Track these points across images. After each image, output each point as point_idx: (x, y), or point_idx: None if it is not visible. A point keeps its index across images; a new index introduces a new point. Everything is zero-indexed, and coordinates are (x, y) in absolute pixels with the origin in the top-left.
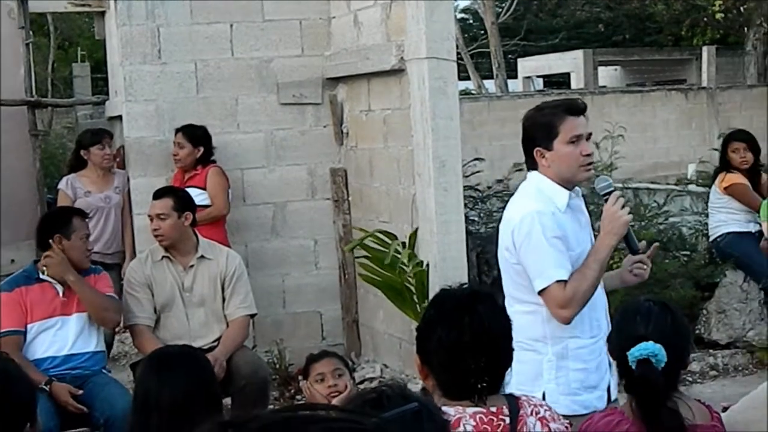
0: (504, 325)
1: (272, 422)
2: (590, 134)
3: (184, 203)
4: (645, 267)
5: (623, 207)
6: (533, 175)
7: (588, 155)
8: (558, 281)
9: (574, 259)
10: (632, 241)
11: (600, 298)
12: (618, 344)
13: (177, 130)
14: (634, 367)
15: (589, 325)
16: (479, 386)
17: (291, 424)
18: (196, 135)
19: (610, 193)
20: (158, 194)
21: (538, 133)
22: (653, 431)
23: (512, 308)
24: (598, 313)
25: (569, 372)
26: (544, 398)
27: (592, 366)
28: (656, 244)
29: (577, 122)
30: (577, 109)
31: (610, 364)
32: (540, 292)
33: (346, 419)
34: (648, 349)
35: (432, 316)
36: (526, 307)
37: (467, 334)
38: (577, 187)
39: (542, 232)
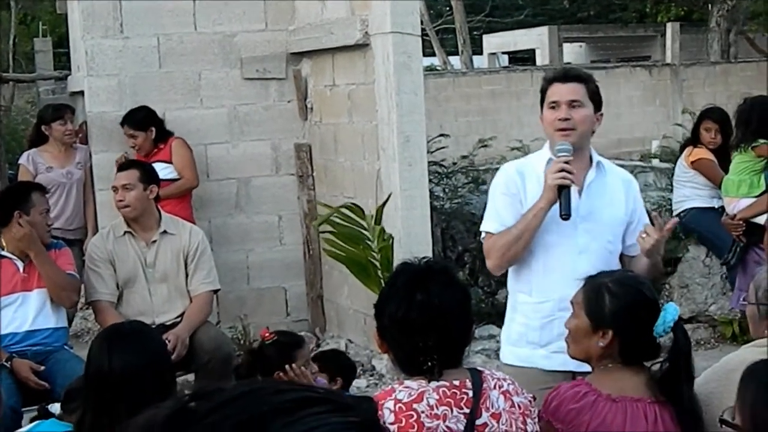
0: (458, 301)
1: (237, 394)
2: (574, 101)
3: (149, 176)
4: (644, 236)
5: (559, 171)
6: None
7: (562, 120)
8: (486, 232)
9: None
10: (565, 205)
11: (564, 264)
12: (633, 316)
13: (121, 123)
14: (666, 333)
15: (539, 286)
16: (429, 364)
17: (257, 395)
18: (140, 120)
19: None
20: (124, 166)
21: (541, 100)
22: (681, 394)
23: None
24: (554, 277)
25: (514, 324)
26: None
27: (535, 324)
28: (674, 219)
29: (558, 88)
30: (563, 76)
31: None
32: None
33: (315, 392)
34: (678, 310)
35: (386, 291)
36: None
37: (416, 310)
38: (600, 161)
39: (494, 186)
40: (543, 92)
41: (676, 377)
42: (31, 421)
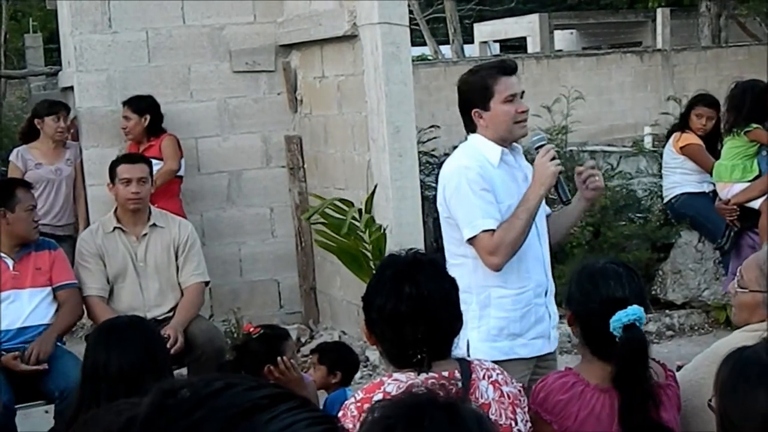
0: (446, 292)
1: (215, 390)
2: (523, 92)
3: (152, 171)
4: (597, 177)
5: (552, 159)
6: (471, 137)
7: (523, 112)
8: (485, 230)
9: (504, 210)
10: (563, 191)
11: (533, 249)
12: (591, 309)
13: (123, 103)
14: (618, 332)
15: (516, 276)
16: (419, 356)
17: (234, 390)
18: (140, 105)
19: (542, 147)
20: (133, 158)
21: (475, 95)
22: (630, 396)
23: (448, 262)
24: (527, 264)
25: (490, 320)
26: (468, 346)
27: (515, 315)
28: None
29: (511, 81)
30: (509, 68)
31: (551, 315)
32: (469, 241)
33: (280, 389)
34: (636, 313)
35: (373, 284)
36: (455, 260)
37: (405, 303)
38: (517, 144)
39: (469, 185)
40: (487, 87)
41: (621, 378)
42: None
